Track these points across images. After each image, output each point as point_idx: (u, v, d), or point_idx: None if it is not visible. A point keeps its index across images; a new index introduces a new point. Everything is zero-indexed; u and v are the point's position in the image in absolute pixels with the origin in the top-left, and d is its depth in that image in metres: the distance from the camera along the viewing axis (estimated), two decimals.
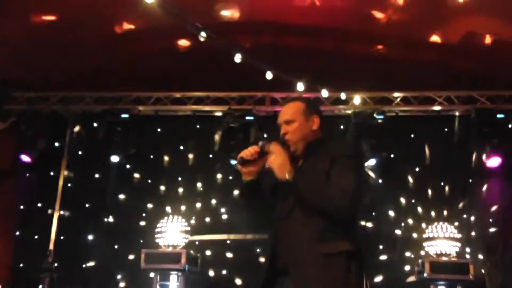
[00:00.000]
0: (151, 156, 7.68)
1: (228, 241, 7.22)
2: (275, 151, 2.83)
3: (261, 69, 6.60)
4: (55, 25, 6.51)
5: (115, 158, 7.42)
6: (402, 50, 6.80)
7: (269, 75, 6.58)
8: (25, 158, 7.40)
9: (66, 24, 6.46)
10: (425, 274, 6.21)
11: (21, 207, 7.52)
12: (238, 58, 6.31)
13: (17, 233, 7.42)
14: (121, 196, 7.58)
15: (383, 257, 7.04)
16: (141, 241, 7.10)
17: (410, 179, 7.34)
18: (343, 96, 7.25)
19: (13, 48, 6.81)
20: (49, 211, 7.31)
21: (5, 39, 6.63)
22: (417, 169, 7.35)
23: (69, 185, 7.44)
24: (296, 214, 2.80)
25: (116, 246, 7.35)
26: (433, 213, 7.08)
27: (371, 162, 7.14)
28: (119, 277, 7.22)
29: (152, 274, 6.60)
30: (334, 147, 2.88)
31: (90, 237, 7.42)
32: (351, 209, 2.74)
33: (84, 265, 7.28)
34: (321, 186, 2.70)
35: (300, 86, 6.83)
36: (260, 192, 2.99)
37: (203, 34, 5.90)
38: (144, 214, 7.43)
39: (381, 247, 7.08)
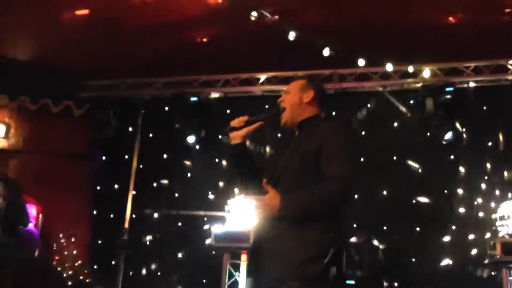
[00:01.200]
0: (220, 137, 7.78)
1: None
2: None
3: (328, 47, 6.62)
4: (123, 13, 6.71)
5: (191, 139, 7.59)
6: (473, 15, 6.57)
7: (326, 52, 6.59)
8: (100, 142, 7.73)
9: (133, 13, 6.68)
10: (496, 256, 5.84)
11: (98, 188, 7.83)
12: (292, 36, 6.37)
13: (95, 212, 7.72)
14: (190, 174, 7.72)
15: (449, 238, 6.77)
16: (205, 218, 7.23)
17: (482, 155, 6.97)
18: (410, 69, 7.14)
19: (85, 39, 7.10)
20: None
21: (79, 32, 6.93)
22: (489, 143, 7.02)
23: (140, 166, 7.64)
24: (280, 185, 2.83)
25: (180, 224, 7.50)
26: (506, 192, 6.69)
27: (448, 135, 6.98)
28: (182, 254, 7.38)
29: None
30: (323, 128, 2.92)
31: (157, 215, 7.59)
32: (349, 191, 2.77)
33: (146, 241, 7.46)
34: (311, 196, 2.73)
35: (361, 62, 6.79)
36: (248, 157, 3.16)
37: (254, 14, 6.00)
38: (210, 192, 7.53)
39: (453, 227, 6.81)
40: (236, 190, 7.21)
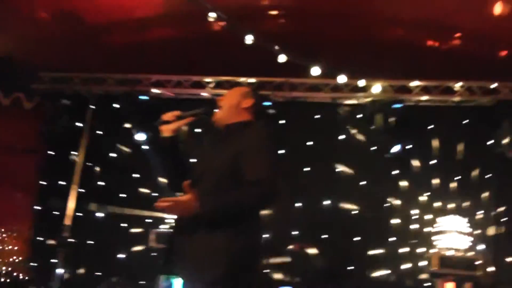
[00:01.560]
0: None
1: None
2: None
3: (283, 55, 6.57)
4: (80, 8, 6.60)
5: (139, 137, 7.50)
6: (427, 37, 6.61)
7: (282, 58, 6.53)
8: (48, 136, 7.65)
9: (90, 8, 6.57)
10: (433, 268, 6.08)
11: (43, 183, 7.73)
12: (249, 39, 6.29)
13: (38, 207, 7.63)
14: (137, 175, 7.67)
15: (394, 250, 6.91)
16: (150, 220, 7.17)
17: (425, 171, 7.10)
18: (362, 83, 7.12)
19: (38, 30, 6.96)
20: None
21: (31, 21, 6.81)
22: (434, 161, 7.10)
23: (87, 163, 7.60)
24: (201, 185, 2.84)
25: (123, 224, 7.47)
26: (447, 206, 6.87)
27: (396, 148, 7.05)
28: (124, 254, 7.38)
29: None
30: (249, 134, 2.96)
31: (103, 214, 7.53)
32: (267, 196, 2.77)
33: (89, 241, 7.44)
34: (229, 199, 2.75)
35: (316, 70, 6.74)
36: (177, 152, 3.16)
37: (212, 15, 5.91)
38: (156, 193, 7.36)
39: (392, 239, 6.95)
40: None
